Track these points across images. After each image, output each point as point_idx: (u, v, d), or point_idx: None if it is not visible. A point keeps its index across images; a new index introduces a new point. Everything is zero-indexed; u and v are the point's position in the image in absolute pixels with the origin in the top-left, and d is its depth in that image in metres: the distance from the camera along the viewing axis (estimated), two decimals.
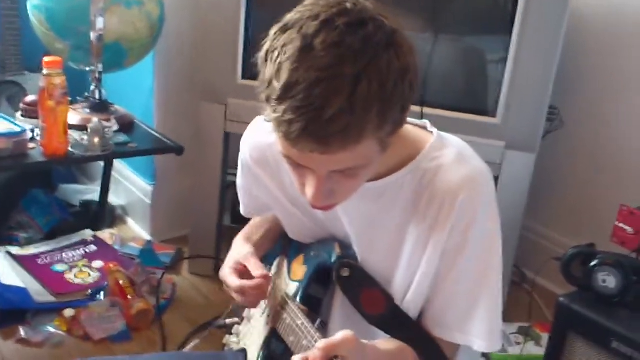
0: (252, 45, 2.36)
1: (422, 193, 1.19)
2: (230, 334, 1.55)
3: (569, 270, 1.95)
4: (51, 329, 2.32)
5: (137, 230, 3.09)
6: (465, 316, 1.21)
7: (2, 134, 2.07)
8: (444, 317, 1.23)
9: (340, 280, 1.28)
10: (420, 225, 1.19)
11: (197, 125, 2.59)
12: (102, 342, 2.31)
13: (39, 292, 2.44)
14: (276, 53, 1.01)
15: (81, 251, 2.73)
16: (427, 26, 2.32)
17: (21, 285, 2.45)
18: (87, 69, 2.41)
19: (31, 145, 2.16)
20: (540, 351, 2.37)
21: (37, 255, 2.66)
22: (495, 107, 2.28)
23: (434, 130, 1.25)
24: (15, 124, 2.17)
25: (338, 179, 1.08)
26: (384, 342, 1.24)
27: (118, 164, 3.10)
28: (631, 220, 2.03)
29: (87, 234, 2.85)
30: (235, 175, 1.48)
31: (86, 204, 3.05)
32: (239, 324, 1.54)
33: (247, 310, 1.52)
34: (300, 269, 1.38)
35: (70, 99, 2.15)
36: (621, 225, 2.05)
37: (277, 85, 0.99)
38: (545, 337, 2.39)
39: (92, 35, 2.30)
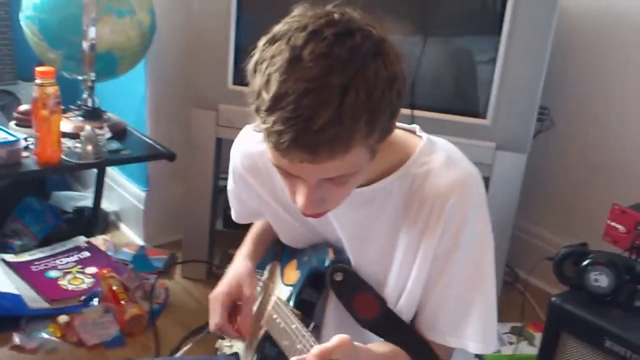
0: (242, 51, 2.36)
1: (412, 198, 1.19)
2: (223, 338, 1.55)
3: (562, 270, 1.96)
4: (45, 335, 2.32)
5: (130, 236, 3.10)
6: (458, 319, 1.22)
7: None
8: (436, 320, 1.23)
9: (333, 285, 1.29)
10: (411, 229, 1.20)
11: (189, 131, 2.59)
12: (96, 348, 2.31)
13: (33, 299, 2.44)
14: (265, 64, 1.02)
15: (75, 257, 2.73)
16: (416, 28, 2.33)
17: (15, 291, 2.44)
18: (80, 77, 2.42)
19: (25, 154, 2.16)
20: (534, 351, 2.38)
21: (31, 262, 2.66)
22: (486, 108, 2.29)
23: (423, 134, 1.25)
24: (9, 133, 2.17)
25: (328, 187, 1.09)
26: (378, 346, 1.25)
27: (111, 170, 3.11)
28: (623, 219, 2.04)
29: (81, 240, 2.85)
30: (227, 180, 1.49)
31: (79, 211, 3.05)
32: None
33: None
34: (293, 274, 1.39)
35: (63, 107, 2.16)
36: (613, 224, 2.06)
37: (267, 96, 1.00)
38: (538, 336, 2.40)
39: (85, 45, 2.31)
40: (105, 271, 2.52)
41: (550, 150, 2.79)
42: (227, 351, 1.51)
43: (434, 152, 1.21)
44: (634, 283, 1.87)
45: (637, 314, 1.84)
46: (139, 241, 3.03)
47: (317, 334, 1.29)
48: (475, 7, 2.42)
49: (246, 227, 1.56)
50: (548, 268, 2.01)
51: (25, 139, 2.20)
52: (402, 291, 1.23)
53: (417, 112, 2.24)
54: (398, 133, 1.24)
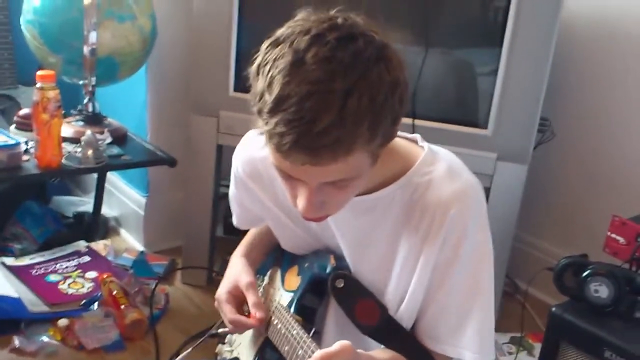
0: (244, 57, 2.36)
1: (413, 207, 1.20)
2: (223, 343, 1.55)
3: (562, 281, 1.96)
4: (45, 339, 2.31)
5: (130, 241, 3.10)
6: (456, 329, 1.22)
7: None
8: (435, 329, 1.23)
9: (334, 291, 1.29)
10: (411, 238, 1.20)
11: (190, 137, 2.60)
12: (95, 352, 2.30)
13: (33, 302, 2.44)
14: (268, 67, 1.02)
15: (75, 262, 2.73)
16: (418, 39, 2.33)
17: (15, 295, 2.44)
18: (80, 82, 2.42)
19: (25, 157, 2.17)
20: None
21: (31, 266, 2.66)
22: (487, 118, 2.29)
23: (425, 144, 1.26)
24: (10, 137, 2.17)
25: (329, 191, 1.09)
26: (379, 352, 1.25)
27: (111, 175, 3.11)
28: (623, 231, 2.04)
29: (81, 245, 2.85)
30: (227, 186, 1.49)
31: (80, 216, 3.06)
32: (231, 333, 1.54)
33: None
34: (294, 280, 1.39)
35: (64, 112, 2.16)
36: (613, 235, 2.06)
37: (269, 98, 1.00)
38: (537, 347, 2.40)
39: (85, 49, 2.32)
40: (105, 276, 2.52)
41: (550, 161, 2.79)
42: (228, 356, 1.51)
43: (436, 162, 1.22)
44: (634, 294, 1.87)
45: (637, 325, 1.84)
46: (139, 247, 3.03)
47: (318, 340, 1.29)
48: (477, 18, 2.42)
49: (246, 234, 1.56)
50: (548, 279, 2.01)
51: (26, 143, 2.21)
52: (402, 298, 1.24)
53: (418, 122, 2.24)
54: (400, 142, 1.24)
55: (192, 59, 2.54)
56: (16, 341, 2.26)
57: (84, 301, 2.48)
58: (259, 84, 1.04)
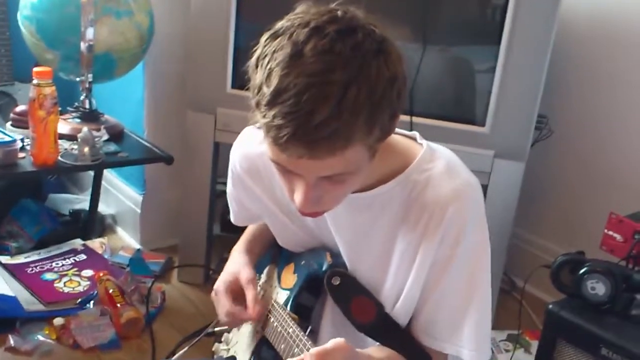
0: (241, 54, 2.36)
1: (411, 205, 1.19)
2: (220, 342, 1.55)
3: (559, 278, 1.96)
4: (41, 338, 2.31)
5: (126, 239, 3.09)
6: (453, 326, 1.22)
7: None
8: (432, 327, 1.23)
9: (331, 289, 1.28)
10: (409, 235, 1.20)
11: (187, 134, 2.59)
12: (91, 351, 2.30)
13: (28, 301, 2.43)
14: (267, 59, 1.02)
15: (71, 260, 2.72)
16: (416, 36, 2.33)
17: (11, 293, 2.44)
18: (77, 79, 2.42)
19: (21, 154, 2.16)
20: (530, 359, 2.38)
21: (27, 264, 2.65)
22: (484, 116, 2.29)
23: (424, 142, 1.25)
24: (6, 134, 2.17)
25: (326, 186, 1.09)
26: (375, 350, 1.25)
27: (108, 173, 3.10)
28: (620, 228, 2.04)
29: (77, 243, 2.84)
30: (224, 184, 1.49)
31: (76, 213, 3.04)
32: (228, 331, 1.54)
33: None
34: (290, 278, 1.38)
35: (60, 108, 2.16)
36: (610, 233, 2.06)
37: (267, 90, 1.00)
38: (534, 344, 2.40)
39: (82, 46, 2.31)
40: (101, 274, 2.51)
41: (548, 158, 2.79)
42: (224, 354, 1.51)
43: (435, 160, 1.21)
44: (631, 292, 1.87)
45: (633, 323, 1.85)
46: (136, 244, 3.02)
47: (314, 338, 1.28)
48: (475, 16, 2.42)
49: (243, 232, 1.55)
50: (545, 276, 2.01)
51: (22, 140, 2.20)
52: (398, 295, 1.23)
53: (416, 119, 2.24)
54: (399, 139, 1.24)
55: (190, 56, 2.53)
56: (11, 340, 2.26)
57: (79, 300, 2.48)
58: (258, 77, 1.03)
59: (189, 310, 2.62)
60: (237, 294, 1.38)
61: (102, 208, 3.10)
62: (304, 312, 1.32)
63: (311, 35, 1.00)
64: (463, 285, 1.21)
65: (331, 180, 1.08)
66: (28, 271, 2.61)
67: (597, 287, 1.86)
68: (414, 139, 1.27)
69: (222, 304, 1.37)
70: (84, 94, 2.44)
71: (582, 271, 1.88)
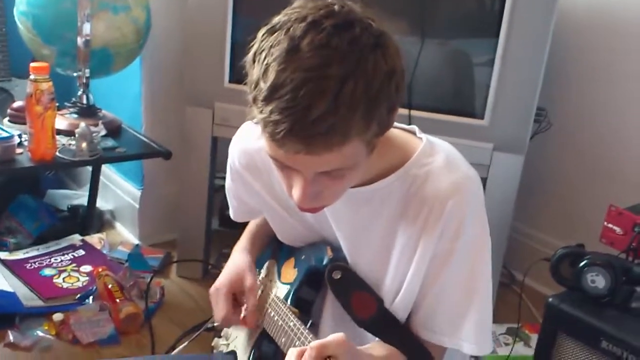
0: (239, 48, 2.35)
1: (411, 199, 1.19)
2: (219, 336, 1.55)
3: (558, 271, 1.96)
4: (40, 333, 2.31)
5: (125, 235, 3.09)
6: (453, 320, 1.22)
7: None
8: (433, 320, 1.23)
9: (331, 283, 1.28)
10: (409, 229, 1.19)
11: (185, 129, 2.59)
12: (91, 346, 2.30)
13: (27, 297, 2.43)
14: (264, 54, 1.01)
15: (70, 256, 2.72)
16: (414, 29, 2.33)
17: (10, 289, 2.44)
18: (74, 74, 2.41)
19: (19, 150, 2.16)
20: (530, 352, 2.38)
21: (25, 260, 2.65)
22: (483, 109, 2.28)
23: (423, 135, 1.25)
24: (3, 130, 2.16)
25: (324, 181, 1.08)
26: (376, 347, 1.25)
27: (106, 168, 3.10)
28: (620, 221, 2.04)
29: (76, 238, 2.84)
30: (223, 178, 1.48)
31: (74, 209, 3.04)
32: (227, 326, 1.54)
33: None
34: (291, 272, 1.38)
35: (58, 104, 2.16)
36: (610, 225, 2.06)
37: (264, 86, 1.00)
38: (534, 337, 2.40)
39: (79, 41, 2.31)
40: (100, 269, 2.51)
41: (547, 151, 2.79)
42: (224, 349, 1.51)
43: (434, 154, 1.21)
44: (631, 284, 1.87)
45: (633, 315, 1.84)
46: (134, 240, 3.02)
47: (315, 332, 1.28)
48: (473, 9, 2.42)
49: (242, 227, 1.55)
50: (544, 269, 2.01)
51: (19, 136, 2.20)
52: (398, 290, 1.23)
53: (414, 113, 2.23)
54: (398, 133, 1.24)
55: (187, 50, 2.53)
56: (10, 336, 2.26)
57: (78, 295, 2.48)
58: (255, 72, 1.03)
59: (188, 305, 2.62)
60: (237, 295, 1.39)
61: (101, 203, 3.10)
62: (305, 306, 1.32)
63: (308, 30, 0.99)
64: (463, 279, 1.20)
65: (329, 176, 1.07)
66: (27, 267, 2.61)
67: (597, 280, 1.85)
68: (413, 133, 1.26)
69: (221, 307, 1.38)
70: (81, 90, 2.43)
71: (581, 264, 1.88)
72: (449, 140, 1.26)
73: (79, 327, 2.31)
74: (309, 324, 1.27)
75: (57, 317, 2.35)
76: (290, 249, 1.42)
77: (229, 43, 2.39)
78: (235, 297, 1.39)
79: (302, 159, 1.02)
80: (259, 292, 1.41)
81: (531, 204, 2.86)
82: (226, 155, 1.41)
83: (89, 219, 2.98)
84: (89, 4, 2.27)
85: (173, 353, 1.75)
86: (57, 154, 2.19)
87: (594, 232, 2.14)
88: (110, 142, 2.36)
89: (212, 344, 1.56)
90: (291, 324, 1.25)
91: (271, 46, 1.01)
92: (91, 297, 2.46)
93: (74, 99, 2.47)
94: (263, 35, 1.04)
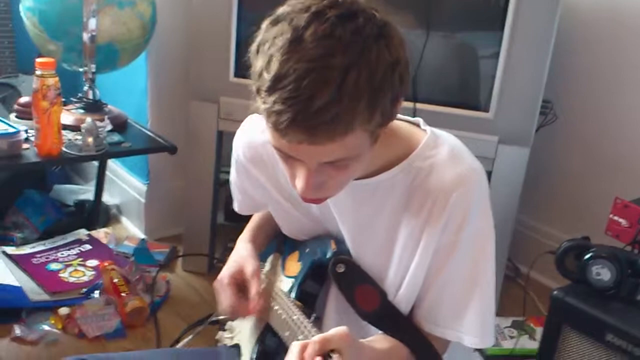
0: (244, 42, 2.35)
1: (415, 191, 1.19)
2: (224, 330, 1.55)
3: (563, 264, 1.96)
4: (46, 327, 2.32)
5: (131, 229, 3.10)
6: (456, 313, 1.22)
7: None
8: (435, 313, 1.23)
9: (335, 276, 1.28)
10: (412, 221, 1.19)
11: (190, 124, 2.59)
12: (97, 340, 2.31)
13: (34, 291, 2.44)
14: (267, 45, 1.02)
15: (76, 250, 2.73)
16: (419, 22, 2.32)
17: (16, 284, 2.45)
18: (80, 69, 2.42)
19: (25, 145, 2.16)
20: (535, 345, 2.38)
21: (32, 255, 2.66)
22: (488, 102, 2.28)
23: (427, 128, 1.25)
24: (10, 125, 2.17)
25: (328, 171, 1.08)
26: (380, 341, 1.25)
27: (112, 163, 3.10)
28: (625, 213, 2.04)
29: (82, 233, 2.85)
30: (228, 172, 1.48)
31: (81, 204, 3.05)
32: (232, 320, 1.54)
33: None
34: (295, 266, 1.38)
35: (64, 99, 2.16)
36: (615, 218, 2.06)
37: (267, 76, 1.00)
38: (539, 330, 2.39)
39: (85, 36, 2.31)
40: (106, 264, 2.52)
41: (552, 144, 2.79)
42: (228, 343, 1.51)
43: (438, 146, 1.21)
44: (636, 277, 1.87)
45: (638, 308, 1.84)
46: (140, 234, 3.03)
47: (319, 326, 1.28)
48: (478, 1, 2.41)
49: (247, 221, 1.55)
50: (549, 262, 2.01)
51: (26, 131, 2.20)
52: (401, 282, 1.23)
53: (419, 105, 2.23)
54: (402, 125, 1.24)
55: (192, 45, 2.53)
56: (17, 330, 2.27)
57: (84, 289, 2.49)
58: (259, 63, 1.03)
59: (194, 299, 2.63)
60: (240, 285, 1.38)
61: (107, 198, 3.11)
62: (309, 299, 1.32)
63: (311, 20, 0.99)
64: (466, 272, 1.20)
65: (333, 166, 1.07)
66: (33, 261, 2.62)
67: (602, 273, 1.85)
68: (418, 125, 1.26)
69: (225, 296, 1.36)
70: (87, 85, 2.43)
71: (587, 257, 1.88)
72: (454, 133, 1.26)
73: (85, 321, 2.32)
74: (312, 318, 1.27)
75: (63, 311, 2.36)
76: (294, 243, 1.42)
77: (234, 38, 2.39)
78: (240, 288, 1.38)
79: (305, 149, 1.02)
80: (263, 285, 1.41)
81: (536, 196, 2.86)
82: (231, 149, 1.41)
83: (95, 214, 2.98)
84: None
85: (178, 346, 1.76)
86: (63, 149, 2.19)
87: (599, 225, 2.13)
88: (116, 137, 2.36)
89: (216, 338, 1.56)
90: (295, 317, 1.25)
91: (275, 37, 1.01)
92: (97, 292, 2.47)
93: (80, 94, 2.47)
94: (267, 25, 1.04)
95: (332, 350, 1.05)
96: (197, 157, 2.63)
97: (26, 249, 2.70)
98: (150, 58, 2.78)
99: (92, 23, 2.29)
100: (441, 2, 2.41)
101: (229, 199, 1.52)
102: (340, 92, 0.97)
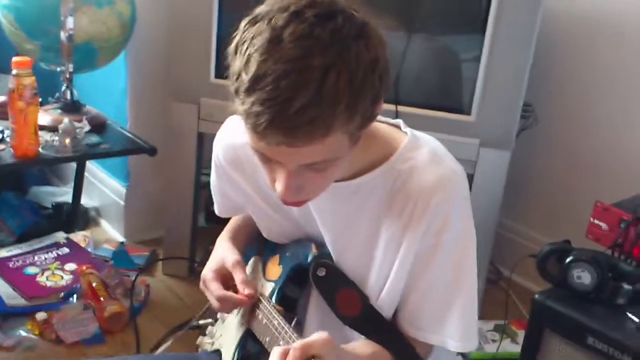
0: (225, 43, 2.33)
1: (395, 194, 1.18)
2: (204, 335, 1.53)
3: (545, 267, 1.96)
4: (23, 333, 2.29)
5: (110, 232, 3.07)
6: (439, 317, 1.21)
7: None
8: (418, 317, 1.23)
9: (316, 280, 1.27)
10: (393, 224, 1.18)
11: (170, 125, 2.57)
12: (75, 346, 2.28)
13: (10, 296, 2.41)
14: (245, 45, 1.00)
15: (54, 254, 2.69)
16: (401, 24, 2.32)
17: None
18: (58, 69, 2.39)
19: (1, 146, 2.14)
20: (517, 348, 2.38)
21: (8, 259, 2.63)
22: (470, 104, 2.28)
23: (408, 129, 1.24)
24: None
25: (308, 174, 1.07)
26: (362, 346, 1.24)
27: (91, 165, 3.07)
28: (606, 217, 2.04)
29: (60, 236, 2.81)
30: (209, 175, 1.47)
31: (59, 206, 3.02)
32: (212, 324, 1.53)
33: None
34: (275, 269, 1.37)
35: (41, 99, 2.14)
36: (596, 221, 2.06)
37: (246, 77, 0.99)
38: (521, 334, 2.39)
39: (62, 35, 2.28)
40: (84, 267, 2.49)
41: (534, 147, 2.79)
42: (209, 348, 1.49)
43: (419, 148, 1.20)
44: (617, 280, 1.87)
45: (619, 311, 1.85)
46: (120, 237, 3.00)
47: (300, 330, 1.27)
48: (460, 5, 2.41)
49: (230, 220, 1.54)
50: (531, 265, 2.00)
51: (1, 132, 2.17)
52: (383, 286, 1.22)
53: (401, 108, 2.23)
54: (382, 127, 1.23)
55: (173, 45, 2.51)
56: None
57: (62, 294, 2.46)
58: (237, 63, 1.02)
59: (174, 303, 2.60)
60: (225, 280, 1.35)
61: (85, 200, 3.08)
62: (290, 303, 1.31)
63: (290, 20, 0.98)
64: (448, 275, 1.20)
65: (312, 169, 1.06)
66: (10, 265, 2.58)
67: (583, 276, 1.85)
68: (398, 127, 1.25)
69: (212, 290, 1.33)
70: (65, 85, 2.41)
71: (568, 260, 1.88)
72: (435, 136, 1.25)
73: (63, 327, 2.29)
74: (294, 322, 1.26)
75: (41, 316, 2.32)
76: (275, 246, 1.41)
77: (214, 38, 2.37)
78: (226, 284, 1.35)
79: (284, 151, 1.01)
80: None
81: (518, 200, 2.86)
82: (212, 151, 1.39)
83: (74, 216, 2.95)
84: None
85: (157, 352, 1.74)
86: (40, 150, 2.16)
87: (580, 228, 2.14)
88: (94, 138, 2.34)
89: (197, 343, 1.54)
90: (275, 322, 1.24)
91: (253, 37, 1.00)
92: (75, 296, 2.44)
93: (57, 94, 2.44)
94: (245, 25, 1.03)
95: (314, 356, 1.05)
96: (177, 158, 2.61)
97: (2, 253, 2.66)
98: (129, 58, 2.76)
99: (70, 22, 2.27)
100: (423, 5, 2.42)
101: (210, 202, 1.51)
102: (319, 93, 0.96)
